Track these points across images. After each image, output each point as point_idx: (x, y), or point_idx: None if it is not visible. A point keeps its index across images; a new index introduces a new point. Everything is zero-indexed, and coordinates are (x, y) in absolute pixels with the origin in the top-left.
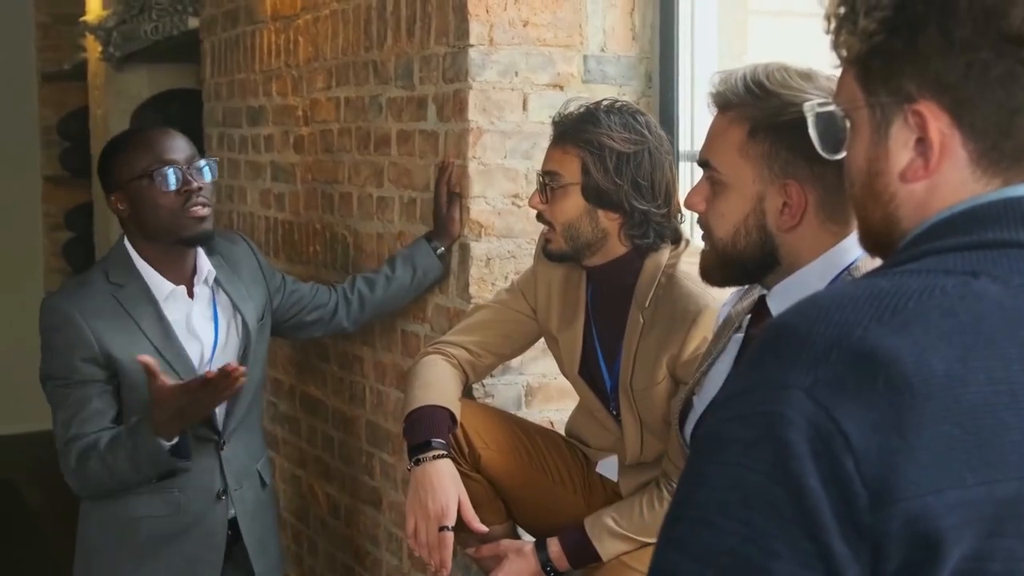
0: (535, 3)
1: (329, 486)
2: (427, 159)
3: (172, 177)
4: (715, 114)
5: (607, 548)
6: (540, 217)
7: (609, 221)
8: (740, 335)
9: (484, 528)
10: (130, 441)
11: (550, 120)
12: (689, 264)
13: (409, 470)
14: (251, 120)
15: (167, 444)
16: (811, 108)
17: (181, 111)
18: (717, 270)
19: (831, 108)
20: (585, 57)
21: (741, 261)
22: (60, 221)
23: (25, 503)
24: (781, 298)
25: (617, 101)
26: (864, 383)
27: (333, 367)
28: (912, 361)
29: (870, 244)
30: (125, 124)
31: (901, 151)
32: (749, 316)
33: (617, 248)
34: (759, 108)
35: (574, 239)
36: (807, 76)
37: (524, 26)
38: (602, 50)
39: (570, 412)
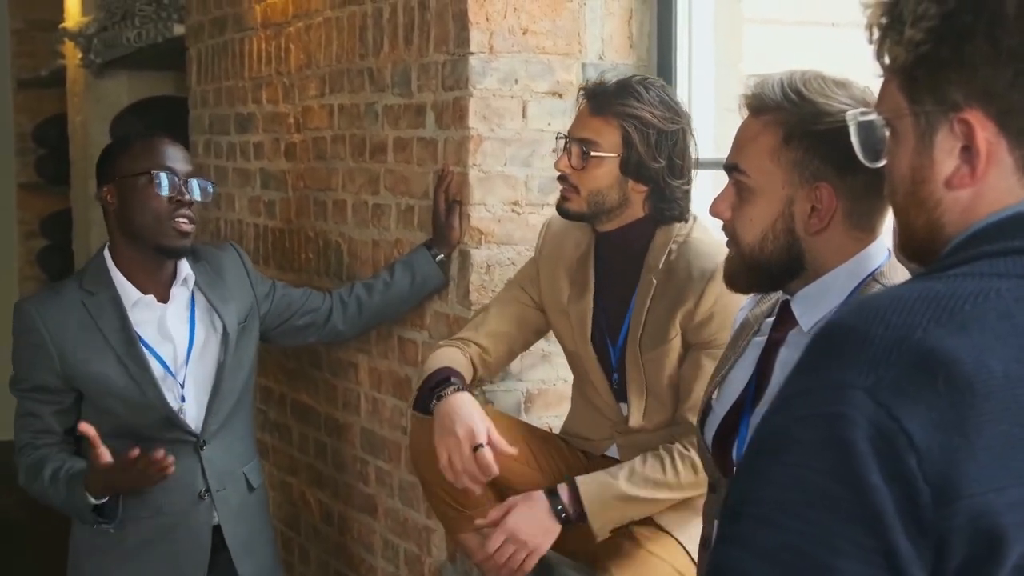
0: (534, 11)
1: (321, 493)
2: (425, 166)
3: (168, 183)
4: (747, 117)
5: (606, 489)
6: (564, 179)
7: (636, 192)
8: (761, 339)
9: (513, 450)
10: (65, 487)
11: (580, 89)
12: (701, 232)
13: (432, 409)
14: (239, 127)
15: (95, 502)
16: (853, 117)
17: (163, 118)
18: (743, 275)
19: (873, 117)
20: (584, 65)
21: (768, 266)
22: (35, 229)
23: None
24: (805, 303)
25: (648, 77)
26: (925, 383)
27: (325, 374)
28: (971, 362)
29: (911, 250)
30: (105, 131)
31: (947, 159)
32: (771, 320)
33: (634, 212)
34: (795, 114)
35: (598, 204)
36: (843, 85)
37: (524, 34)
38: (600, 58)
39: None
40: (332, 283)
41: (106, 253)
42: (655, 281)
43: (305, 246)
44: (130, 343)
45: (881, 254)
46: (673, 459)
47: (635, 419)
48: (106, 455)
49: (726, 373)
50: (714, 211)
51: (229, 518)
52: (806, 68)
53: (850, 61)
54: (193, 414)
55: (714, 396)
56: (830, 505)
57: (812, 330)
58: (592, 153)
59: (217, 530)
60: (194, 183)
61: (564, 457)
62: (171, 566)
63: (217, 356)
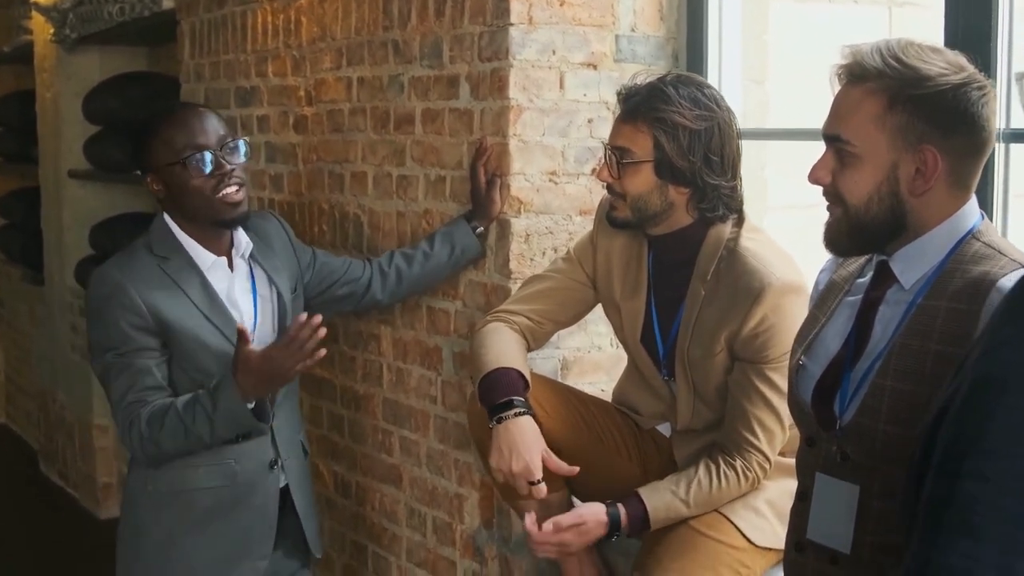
0: None
1: (337, 465)
2: (458, 137)
3: (204, 161)
4: (844, 86)
5: (659, 519)
6: (610, 189)
7: (678, 194)
8: (854, 299)
9: (574, 469)
10: (210, 402)
11: (616, 93)
12: (751, 240)
13: (491, 428)
14: (241, 101)
15: (248, 406)
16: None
17: (138, 93)
18: (846, 238)
19: None
20: (617, 36)
21: (872, 227)
22: None
23: None
24: (906, 262)
25: (682, 74)
26: None
27: (342, 346)
28: None
29: None
30: (77, 107)
31: None
32: (864, 280)
33: (682, 218)
34: (898, 80)
35: (642, 211)
36: (936, 50)
37: (560, 5)
38: (632, 30)
39: (604, 385)
40: (350, 255)
41: (168, 220)
42: (703, 292)
43: (318, 219)
44: (213, 301)
45: (975, 213)
46: (728, 475)
47: (683, 419)
48: (256, 348)
49: (817, 332)
50: (813, 178)
51: (294, 485)
52: (898, 37)
53: (866, 34)
54: None
55: (802, 357)
56: None
57: (913, 288)
58: (626, 160)
59: (281, 496)
60: (229, 147)
61: (619, 426)
62: (240, 536)
63: (276, 326)
